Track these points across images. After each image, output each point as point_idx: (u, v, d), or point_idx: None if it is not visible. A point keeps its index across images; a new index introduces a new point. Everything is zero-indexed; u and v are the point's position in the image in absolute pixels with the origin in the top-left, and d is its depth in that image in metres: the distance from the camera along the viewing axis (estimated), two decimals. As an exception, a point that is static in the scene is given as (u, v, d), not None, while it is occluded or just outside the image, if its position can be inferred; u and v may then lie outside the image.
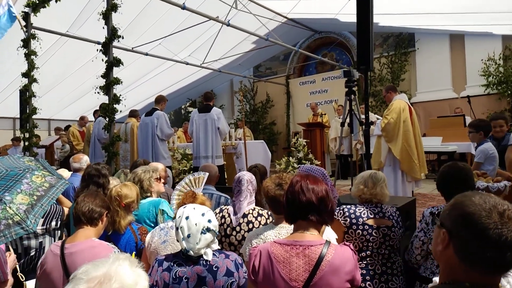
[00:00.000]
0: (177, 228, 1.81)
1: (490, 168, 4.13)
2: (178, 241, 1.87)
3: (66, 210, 3.17)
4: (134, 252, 2.26)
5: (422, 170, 5.57)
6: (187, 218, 1.81)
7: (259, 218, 2.56)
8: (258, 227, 2.50)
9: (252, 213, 2.59)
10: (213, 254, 1.85)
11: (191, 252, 1.78)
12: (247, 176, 2.71)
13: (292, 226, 1.79)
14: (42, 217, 2.64)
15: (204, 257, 1.81)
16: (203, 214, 1.84)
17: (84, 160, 4.03)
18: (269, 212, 2.63)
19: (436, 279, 1.47)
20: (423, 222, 2.36)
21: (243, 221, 2.55)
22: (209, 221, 1.84)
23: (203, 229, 1.80)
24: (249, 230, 2.50)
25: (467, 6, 7.23)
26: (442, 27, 8.84)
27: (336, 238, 2.21)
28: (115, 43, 5.87)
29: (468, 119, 8.24)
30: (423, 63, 10.13)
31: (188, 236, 1.78)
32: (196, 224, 1.80)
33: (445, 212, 1.10)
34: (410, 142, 5.20)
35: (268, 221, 2.55)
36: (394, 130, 5.20)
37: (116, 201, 2.49)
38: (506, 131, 4.37)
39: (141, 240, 2.50)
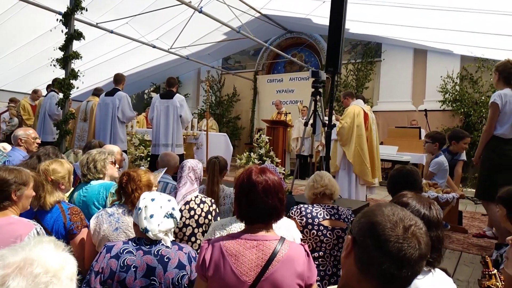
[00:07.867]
0: (139, 208, 1.79)
1: (440, 181, 4.34)
2: (136, 223, 1.81)
3: None
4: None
5: (376, 175, 5.72)
6: (152, 199, 1.81)
7: (201, 205, 2.57)
8: (201, 214, 2.52)
9: (194, 200, 2.57)
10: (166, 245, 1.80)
11: (150, 234, 1.74)
12: (190, 163, 2.70)
13: None
14: None
15: (163, 242, 1.78)
16: (169, 200, 1.87)
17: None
18: (212, 200, 2.68)
19: None
20: None
21: (185, 208, 2.52)
22: (173, 208, 1.85)
23: (167, 213, 1.80)
24: (191, 217, 2.51)
25: (432, 23, 7.53)
26: (408, 39, 9.16)
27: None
28: (78, 15, 5.51)
29: (423, 132, 8.63)
30: (387, 74, 10.45)
31: (151, 216, 1.76)
32: (161, 206, 1.80)
33: (356, 218, 1.07)
34: (362, 146, 5.36)
35: (211, 209, 2.58)
36: (348, 134, 5.35)
37: (44, 175, 2.38)
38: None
39: (70, 220, 2.34)
